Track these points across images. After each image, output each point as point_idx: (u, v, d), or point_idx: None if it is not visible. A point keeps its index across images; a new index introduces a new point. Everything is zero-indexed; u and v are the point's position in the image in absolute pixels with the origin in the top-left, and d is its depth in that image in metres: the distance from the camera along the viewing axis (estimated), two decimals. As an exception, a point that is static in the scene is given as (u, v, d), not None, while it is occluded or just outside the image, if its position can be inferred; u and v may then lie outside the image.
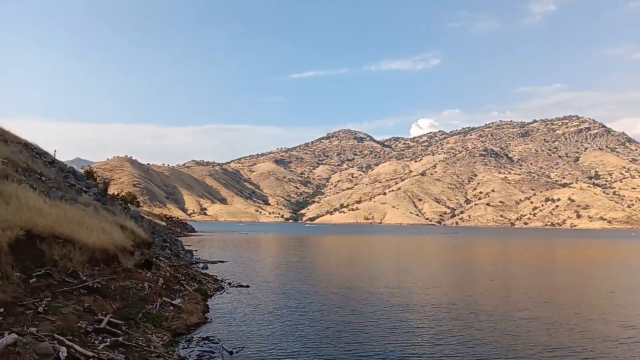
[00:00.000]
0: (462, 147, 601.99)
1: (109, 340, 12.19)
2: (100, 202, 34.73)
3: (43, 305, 12.09)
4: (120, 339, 12.61)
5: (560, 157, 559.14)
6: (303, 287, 28.50)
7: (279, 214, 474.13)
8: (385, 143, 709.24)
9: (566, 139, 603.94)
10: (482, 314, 21.40)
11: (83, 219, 21.34)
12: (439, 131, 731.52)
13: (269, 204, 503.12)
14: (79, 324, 12.39)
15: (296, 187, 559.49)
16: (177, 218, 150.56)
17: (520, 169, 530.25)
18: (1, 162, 24.00)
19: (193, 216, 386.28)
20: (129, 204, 59.20)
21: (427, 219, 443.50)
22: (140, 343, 13.12)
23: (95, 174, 57.58)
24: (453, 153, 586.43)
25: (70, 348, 10.09)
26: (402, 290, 28.38)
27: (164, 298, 18.85)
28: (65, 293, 13.98)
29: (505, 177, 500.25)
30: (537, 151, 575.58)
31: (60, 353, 9.63)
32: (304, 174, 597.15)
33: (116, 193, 64.56)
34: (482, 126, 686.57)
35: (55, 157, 43.17)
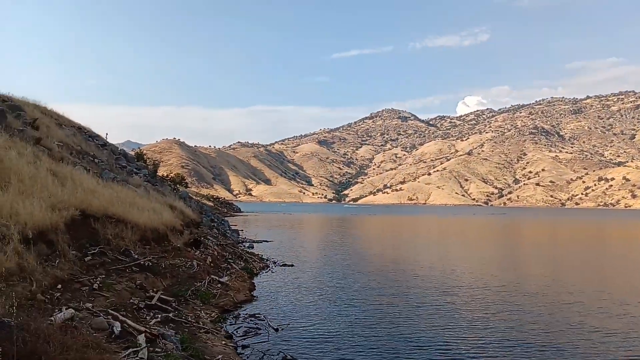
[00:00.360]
0: (511, 125, 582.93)
1: (159, 316, 12.63)
2: (150, 183, 35.86)
3: (98, 282, 12.64)
4: (170, 315, 13.05)
5: (615, 134, 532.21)
6: (346, 267, 28.60)
7: (322, 194, 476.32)
8: (431, 122, 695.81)
9: (622, 116, 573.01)
10: (530, 298, 20.84)
11: (134, 199, 22.10)
12: (487, 109, 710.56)
13: (312, 185, 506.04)
14: (131, 300, 12.89)
15: (339, 167, 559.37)
16: (224, 198, 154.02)
17: (572, 147, 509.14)
18: (56, 145, 25.06)
19: (239, 197, 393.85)
20: (177, 185, 60.91)
21: (474, 199, 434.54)
22: (190, 319, 13.55)
23: (145, 156, 59.47)
24: (501, 131, 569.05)
25: (123, 323, 10.51)
26: (446, 272, 28.01)
27: (212, 276, 19.36)
28: (119, 270, 14.56)
29: (556, 155, 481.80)
30: (590, 129, 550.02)
31: (115, 328, 10.05)
32: (347, 155, 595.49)
33: (165, 174, 66.53)
34: (532, 103, 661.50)
35: (107, 140, 44.77)
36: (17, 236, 10.71)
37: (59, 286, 11.20)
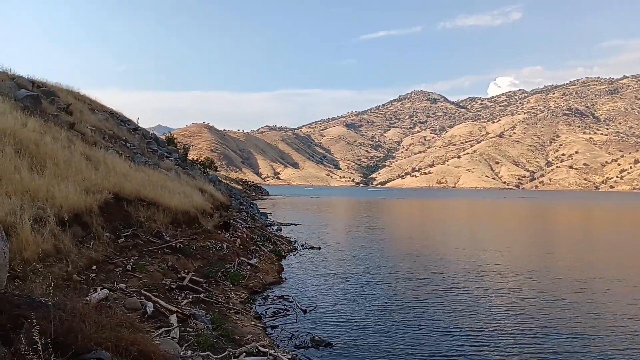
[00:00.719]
0: (544, 106, 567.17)
1: (191, 296, 12.90)
2: (180, 166, 36.45)
3: (131, 264, 12.98)
4: (201, 295, 13.31)
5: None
6: (373, 251, 28.59)
7: (350, 178, 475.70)
8: (461, 104, 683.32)
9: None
10: (562, 283, 20.45)
11: (165, 182, 22.51)
12: (519, 90, 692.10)
13: (340, 169, 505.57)
14: (163, 281, 13.19)
15: (367, 151, 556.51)
16: (252, 182, 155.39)
17: (607, 128, 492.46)
18: (90, 129, 25.64)
19: (267, 180, 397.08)
20: (207, 169, 61.65)
21: (504, 182, 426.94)
22: (220, 300, 13.80)
23: (175, 140, 60.27)
24: (534, 113, 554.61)
25: (156, 303, 10.78)
26: (475, 256, 27.71)
27: (241, 258, 19.63)
28: (151, 252, 14.90)
29: (591, 137, 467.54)
30: (626, 109, 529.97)
31: (147, 308, 10.32)
32: (375, 138, 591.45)
33: (195, 158, 67.33)
34: (567, 84, 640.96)
35: (138, 124, 45.59)
36: (53, 218, 11.04)
37: (94, 267, 11.55)
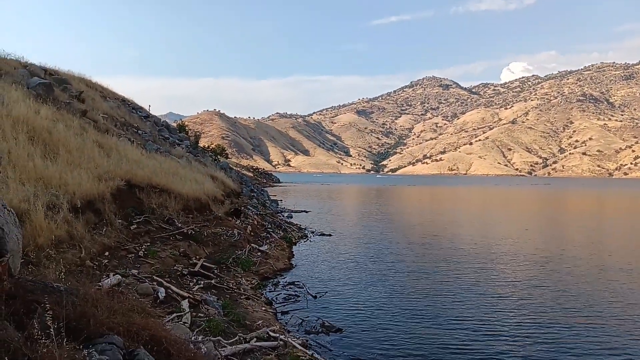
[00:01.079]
0: (558, 92, 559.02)
1: (202, 282, 13.04)
2: (192, 154, 36.61)
3: (143, 250, 13.12)
4: (212, 281, 13.45)
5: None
6: (383, 238, 28.60)
7: (360, 165, 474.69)
8: (473, 90, 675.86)
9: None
10: (573, 271, 20.33)
11: (177, 170, 22.65)
12: (533, 75, 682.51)
13: (350, 156, 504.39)
14: (175, 267, 13.34)
15: (377, 138, 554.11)
16: (263, 169, 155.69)
17: (622, 115, 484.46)
18: (102, 117, 25.80)
19: (277, 167, 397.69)
20: (218, 156, 61.79)
21: (517, 169, 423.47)
22: (231, 285, 13.93)
23: (186, 127, 60.40)
24: (547, 99, 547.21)
25: (168, 289, 10.91)
26: (486, 244, 27.61)
27: (252, 244, 19.77)
28: (163, 239, 15.05)
29: (605, 124, 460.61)
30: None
31: (159, 293, 10.45)
32: (386, 125, 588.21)
33: (206, 145, 67.50)
34: (581, 69, 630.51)
35: (150, 112, 45.78)
36: (66, 205, 11.18)
37: (107, 253, 11.70)
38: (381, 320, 13.00)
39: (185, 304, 10.42)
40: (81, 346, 3.31)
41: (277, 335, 10.37)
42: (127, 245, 12.87)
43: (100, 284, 8.27)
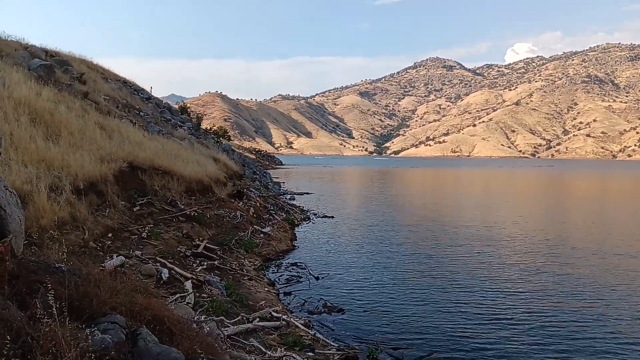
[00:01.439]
0: (563, 73, 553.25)
1: (205, 263, 13.13)
2: (194, 136, 36.54)
3: (146, 231, 13.19)
4: (215, 262, 13.54)
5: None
6: (386, 220, 28.66)
7: (363, 147, 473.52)
8: (477, 71, 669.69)
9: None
10: (576, 253, 20.38)
11: (179, 152, 22.64)
12: (537, 56, 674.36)
13: (353, 138, 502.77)
14: (178, 249, 13.42)
15: (380, 120, 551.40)
16: (265, 151, 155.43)
17: (627, 96, 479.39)
18: (103, 98, 25.72)
19: (280, 150, 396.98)
20: (220, 138, 61.62)
21: (520, 151, 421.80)
22: (234, 267, 14.03)
23: (188, 109, 60.16)
24: (552, 80, 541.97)
25: (171, 270, 10.99)
26: (490, 227, 27.65)
27: (254, 226, 19.84)
28: (166, 220, 15.12)
29: (610, 105, 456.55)
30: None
31: (163, 274, 10.53)
32: (389, 107, 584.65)
33: (208, 127, 67.26)
34: (586, 50, 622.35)
35: (152, 94, 45.59)
36: (68, 187, 11.21)
37: (110, 235, 11.77)
38: (383, 301, 13.10)
39: (188, 284, 10.51)
40: (84, 325, 3.34)
41: (280, 315, 10.47)
42: (130, 227, 12.93)
43: (103, 265, 8.34)
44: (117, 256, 10.08)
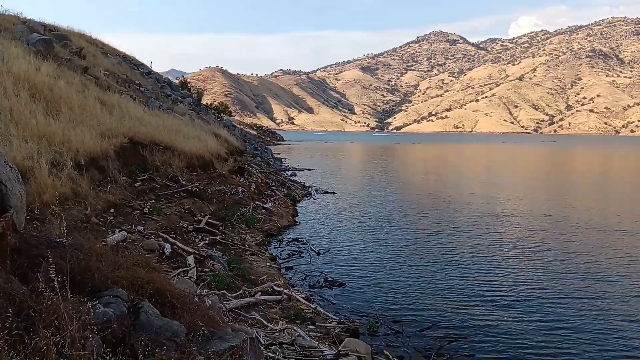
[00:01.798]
0: (567, 47, 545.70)
1: (207, 238, 13.21)
2: (194, 111, 36.35)
3: (148, 207, 13.23)
4: (217, 237, 13.63)
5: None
6: (387, 196, 28.72)
7: (365, 123, 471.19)
8: (480, 45, 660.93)
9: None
10: (578, 230, 20.45)
11: (180, 127, 22.54)
12: (542, 30, 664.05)
13: (355, 113, 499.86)
14: (180, 224, 13.49)
15: (382, 95, 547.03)
16: (267, 127, 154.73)
17: (631, 71, 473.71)
18: (103, 74, 25.50)
19: (281, 125, 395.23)
20: (221, 114, 61.34)
21: (523, 126, 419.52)
22: (236, 242, 14.13)
23: (189, 85, 59.73)
24: (556, 55, 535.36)
25: (173, 245, 11.07)
26: (490, 202, 27.70)
27: (256, 202, 19.91)
28: (167, 196, 15.15)
29: (614, 80, 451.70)
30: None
31: (165, 249, 10.61)
32: (391, 82, 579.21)
33: (209, 103, 66.89)
34: (591, 24, 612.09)
35: (152, 69, 45.18)
36: (70, 162, 11.20)
37: (112, 210, 11.82)
38: (383, 276, 13.22)
39: (190, 259, 10.60)
40: (85, 299, 3.38)
41: (282, 289, 10.59)
42: (132, 202, 12.97)
43: (105, 240, 8.39)
44: (119, 231, 10.14)
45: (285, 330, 7.84)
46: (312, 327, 8.81)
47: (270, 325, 8.14)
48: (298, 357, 6.61)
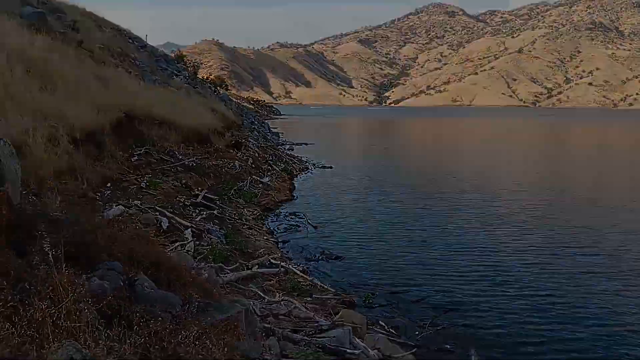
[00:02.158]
0: (567, 20, 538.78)
1: (205, 213, 13.26)
2: (190, 85, 36.05)
3: (145, 181, 13.24)
4: (215, 212, 13.68)
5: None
6: (385, 170, 28.76)
7: (363, 97, 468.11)
8: (480, 17, 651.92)
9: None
10: (575, 203, 20.59)
11: (176, 101, 22.43)
12: (542, 2, 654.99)
13: (353, 87, 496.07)
14: (177, 199, 13.52)
15: (381, 68, 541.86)
16: (264, 101, 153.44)
17: (631, 44, 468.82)
18: (98, 47, 25.17)
19: (278, 99, 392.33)
20: (218, 88, 60.84)
21: (521, 100, 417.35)
22: (233, 216, 14.21)
23: (184, 58, 59.01)
24: (556, 27, 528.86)
25: (171, 219, 11.13)
26: (489, 177, 27.80)
27: (253, 176, 19.93)
28: (164, 170, 15.16)
29: (613, 53, 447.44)
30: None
31: (162, 223, 10.67)
32: (390, 55, 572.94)
33: (205, 77, 66.28)
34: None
35: (147, 42, 44.53)
36: (66, 137, 11.16)
37: (108, 185, 11.84)
38: (380, 249, 13.35)
39: (188, 233, 10.68)
40: (81, 272, 3.44)
41: (279, 262, 10.71)
42: (128, 177, 12.99)
43: (102, 214, 8.44)
44: (116, 205, 10.19)
45: (281, 302, 7.96)
46: (308, 298, 8.94)
47: (267, 297, 8.27)
48: (294, 328, 6.74)
